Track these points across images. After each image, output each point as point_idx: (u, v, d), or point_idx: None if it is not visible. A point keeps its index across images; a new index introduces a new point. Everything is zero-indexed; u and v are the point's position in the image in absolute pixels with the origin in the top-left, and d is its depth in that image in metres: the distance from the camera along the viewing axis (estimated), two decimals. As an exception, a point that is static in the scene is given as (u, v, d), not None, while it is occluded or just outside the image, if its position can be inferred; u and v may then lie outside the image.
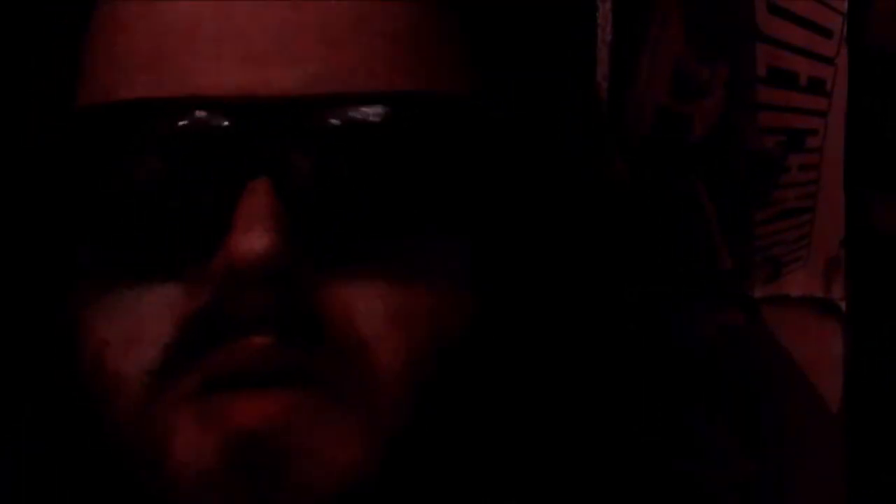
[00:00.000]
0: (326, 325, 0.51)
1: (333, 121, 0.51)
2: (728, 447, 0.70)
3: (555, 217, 0.57)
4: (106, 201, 0.53)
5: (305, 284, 0.51)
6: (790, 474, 0.71)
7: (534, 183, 0.56)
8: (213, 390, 0.51)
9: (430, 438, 0.53)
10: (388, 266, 0.52)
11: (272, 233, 0.49)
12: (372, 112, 0.52)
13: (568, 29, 0.67)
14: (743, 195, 0.72)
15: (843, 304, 0.72)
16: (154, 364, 0.51)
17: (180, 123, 0.51)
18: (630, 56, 0.73)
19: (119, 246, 0.53)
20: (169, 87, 0.52)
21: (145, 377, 0.51)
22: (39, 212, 0.55)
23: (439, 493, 0.54)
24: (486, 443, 0.55)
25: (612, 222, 0.63)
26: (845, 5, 0.72)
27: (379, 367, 0.51)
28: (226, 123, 0.51)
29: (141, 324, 0.52)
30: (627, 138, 0.72)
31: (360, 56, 0.52)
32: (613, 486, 0.62)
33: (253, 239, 0.49)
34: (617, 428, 0.63)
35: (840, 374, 0.72)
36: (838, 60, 0.72)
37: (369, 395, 0.51)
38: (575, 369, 0.59)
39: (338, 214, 0.51)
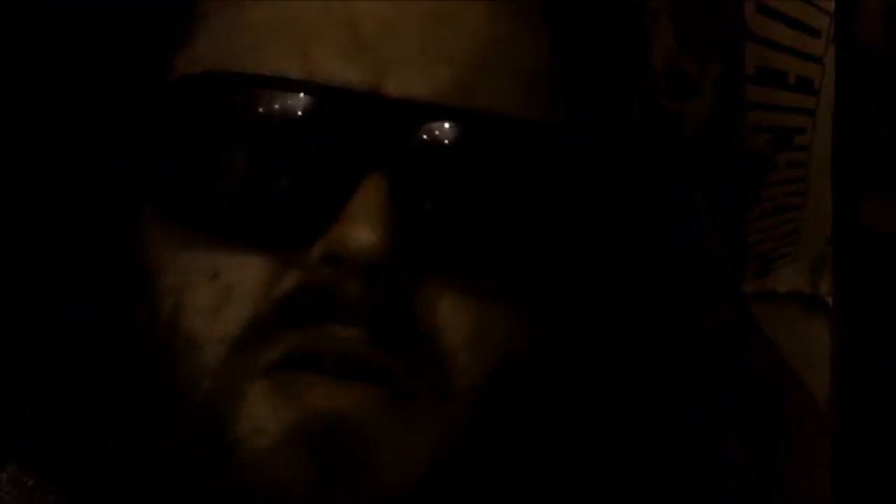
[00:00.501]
0: (413, 330, 0.51)
1: (456, 133, 0.52)
2: (728, 447, 0.71)
3: (581, 227, 0.58)
4: (206, 166, 0.52)
5: (402, 287, 0.51)
6: (789, 472, 0.71)
7: (587, 207, 0.57)
8: (291, 368, 0.51)
9: (484, 453, 0.53)
10: (472, 283, 0.53)
11: (384, 228, 0.50)
12: (492, 133, 0.53)
13: (634, 60, 0.68)
14: (737, 194, 0.72)
15: (830, 300, 0.73)
16: (234, 335, 0.51)
17: (306, 105, 0.51)
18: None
19: (207, 213, 0.52)
20: (298, 69, 0.52)
21: (223, 347, 0.51)
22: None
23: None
24: (528, 457, 0.56)
25: (613, 222, 0.63)
26: (832, 5, 0.72)
27: (454, 380, 0.52)
28: (352, 114, 0.51)
29: (225, 294, 0.51)
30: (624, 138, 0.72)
31: (489, 78, 0.53)
32: (614, 485, 0.62)
33: (365, 230, 0.50)
34: (617, 428, 0.63)
35: (827, 370, 0.72)
36: (826, 59, 0.73)
37: (440, 405, 0.52)
38: (588, 373, 0.59)
39: (438, 226, 0.52)
